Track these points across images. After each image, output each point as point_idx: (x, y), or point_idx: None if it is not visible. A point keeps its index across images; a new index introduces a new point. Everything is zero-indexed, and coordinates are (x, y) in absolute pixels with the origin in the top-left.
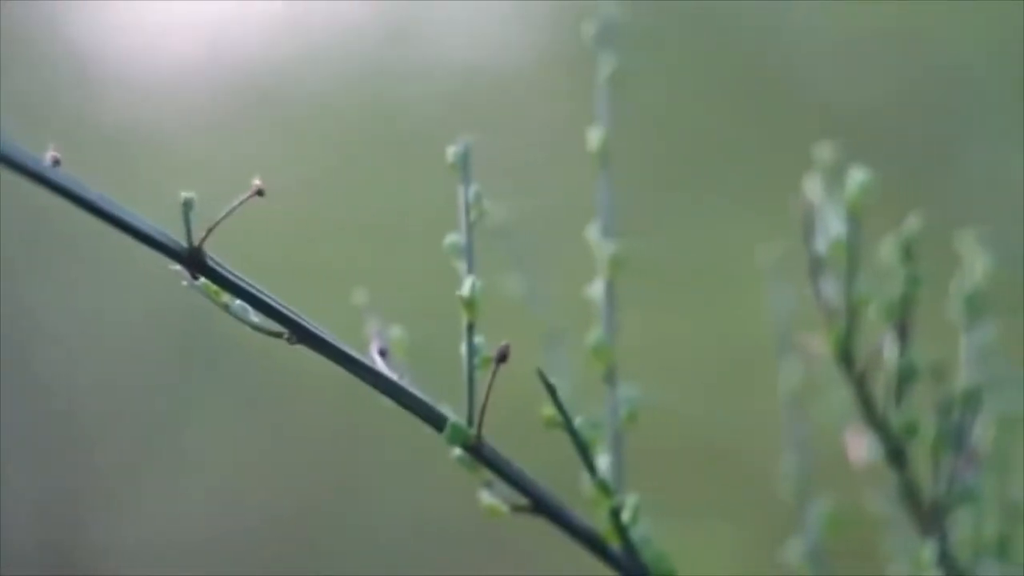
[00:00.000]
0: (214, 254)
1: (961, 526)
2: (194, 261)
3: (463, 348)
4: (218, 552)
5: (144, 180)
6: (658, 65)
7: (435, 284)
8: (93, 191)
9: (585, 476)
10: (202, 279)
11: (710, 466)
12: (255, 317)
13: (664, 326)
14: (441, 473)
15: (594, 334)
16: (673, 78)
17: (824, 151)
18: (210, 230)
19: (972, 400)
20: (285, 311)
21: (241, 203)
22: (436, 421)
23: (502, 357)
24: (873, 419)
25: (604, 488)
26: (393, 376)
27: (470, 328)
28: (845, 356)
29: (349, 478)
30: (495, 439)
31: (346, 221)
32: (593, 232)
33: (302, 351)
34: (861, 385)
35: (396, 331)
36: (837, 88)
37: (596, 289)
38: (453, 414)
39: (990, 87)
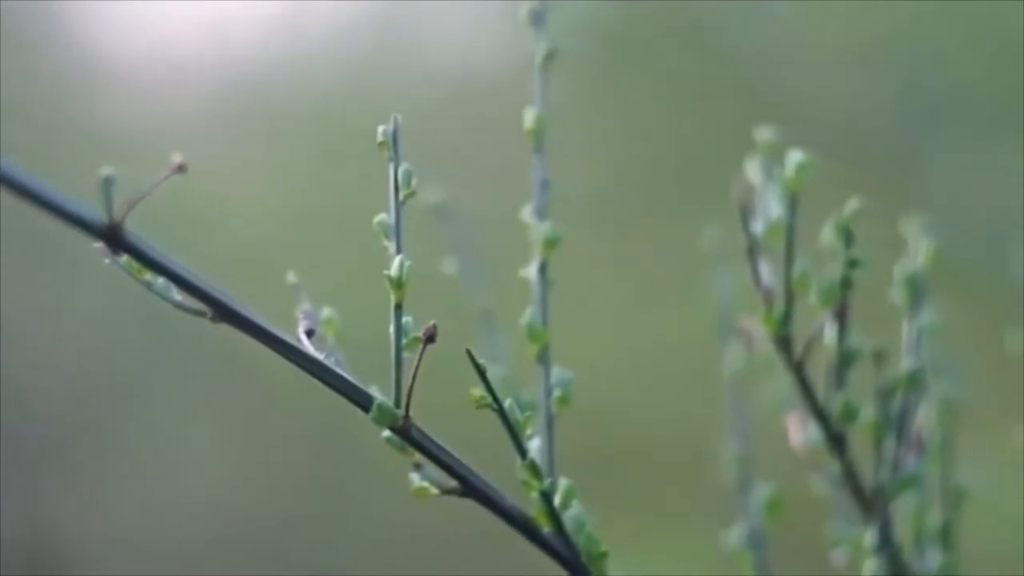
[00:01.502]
0: (214, 258)
1: (905, 512)
2: (113, 237)
3: (391, 329)
4: (199, 554)
5: (139, 180)
6: (641, 70)
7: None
8: (5, 163)
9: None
10: (125, 257)
11: (672, 463)
12: (178, 295)
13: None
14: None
15: (528, 315)
16: (653, 83)
17: (764, 133)
18: (131, 206)
19: (914, 384)
20: (207, 289)
21: (163, 180)
22: (363, 402)
23: (430, 337)
24: (813, 404)
25: (534, 470)
26: (318, 356)
27: (398, 308)
28: (783, 340)
29: (333, 481)
30: (440, 424)
31: (338, 221)
32: (527, 213)
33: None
34: (800, 369)
35: (327, 312)
36: (817, 93)
37: (531, 270)
38: (381, 395)
39: (970, 93)
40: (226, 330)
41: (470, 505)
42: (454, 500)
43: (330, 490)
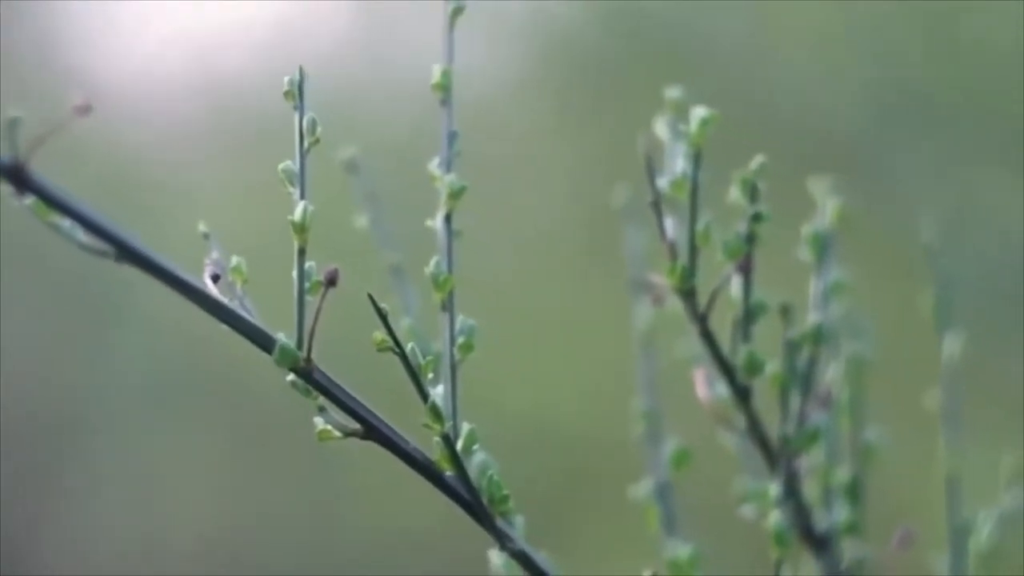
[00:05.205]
0: None
1: (814, 468)
2: (18, 177)
3: (294, 273)
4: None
5: (143, 205)
6: (620, 88)
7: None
8: None
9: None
10: (31, 199)
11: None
12: (83, 236)
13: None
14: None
15: (433, 264)
16: (633, 100)
17: (673, 92)
18: (35, 145)
19: (819, 338)
20: (110, 229)
21: (66, 121)
22: (266, 344)
23: (331, 281)
24: (718, 357)
25: (436, 413)
26: (222, 299)
27: (301, 253)
28: (688, 293)
29: (325, 489)
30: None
31: (340, 242)
32: (434, 165)
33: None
34: (704, 322)
35: (235, 260)
36: (800, 106)
37: (436, 221)
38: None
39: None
40: (222, 342)
41: (466, 519)
42: (450, 517)
43: (321, 499)
